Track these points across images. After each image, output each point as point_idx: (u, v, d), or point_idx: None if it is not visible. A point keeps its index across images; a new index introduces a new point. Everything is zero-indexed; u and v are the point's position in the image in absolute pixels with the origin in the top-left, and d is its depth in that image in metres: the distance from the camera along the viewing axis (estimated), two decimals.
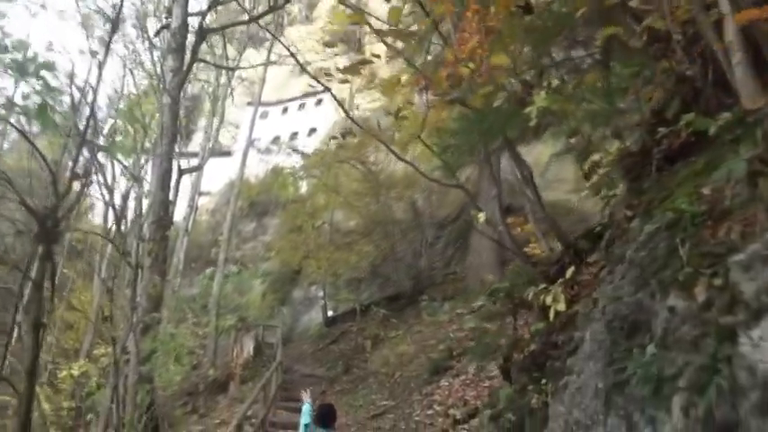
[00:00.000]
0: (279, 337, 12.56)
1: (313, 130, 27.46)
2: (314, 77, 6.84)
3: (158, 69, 9.91)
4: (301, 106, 29.84)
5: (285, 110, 30.31)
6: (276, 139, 27.28)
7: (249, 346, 12.00)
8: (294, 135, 28.22)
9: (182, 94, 9.36)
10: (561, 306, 3.49)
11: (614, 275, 2.52)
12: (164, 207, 8.62)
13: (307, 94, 29.18)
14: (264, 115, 28.03)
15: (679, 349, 1.76)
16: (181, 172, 10.99)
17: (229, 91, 18.22)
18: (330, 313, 14.30)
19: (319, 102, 28.33)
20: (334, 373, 10.43)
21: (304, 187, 19.22)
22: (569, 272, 3.72)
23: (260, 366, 10.73)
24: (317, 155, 16.16)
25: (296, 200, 19.09)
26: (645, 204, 2.39)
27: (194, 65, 9.58)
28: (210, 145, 16.19)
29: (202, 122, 23.83)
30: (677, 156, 2.49)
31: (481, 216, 5.15)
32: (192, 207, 17.10)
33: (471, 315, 8.68)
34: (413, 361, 8.58)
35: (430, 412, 6.71)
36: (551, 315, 3.54)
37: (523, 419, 3.37)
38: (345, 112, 7.15)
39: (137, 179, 10.08)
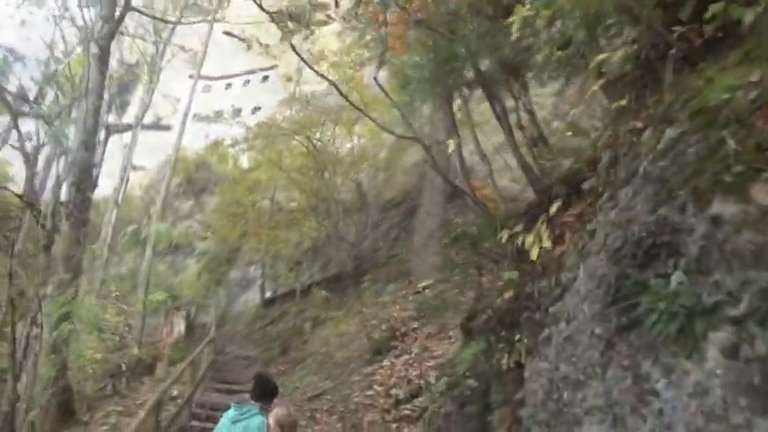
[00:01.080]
0: (212, 315, 11.93)
1: (257, 108, 26.49)
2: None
3: (87, 17, 8.98)
4: (246, 83, 28.76)
5: (229, 85, 29.12)
6: (218, 114, 26.21)
7: (180, 326, 11.31)
8: (237, 112, 27.17)
9: (112, 46, 8.53)
10: (547, 243, 3.11)
11: (618, 199, 2.22)
12: (86, 169, 7.85)
13: (252, 71, 28.18)
14: (207, 89, 26.88)
15: (727, 269, 1.44)
16: (108, 130, 10.12)
17: (166, 52, 17.11)
18: (268, 294, 13.75)
19: (265, 79, 27.36)
20: (271, 354, 9.95)
21: (246, 163, 18.46)
22: (554, 208, 3.37)
23: (191, 347, 10.08)
24: (261, 128, 15.46)
25: (236, 176, 18.33)
26: (661, 111, 2.09)
27: (127, 14, 8.75)
28: (145, 111, 15.15)
29: (139, 93, 22.55)
30: (701, 55, 2.16)
31: (451, 144, 4.83)
32: (124, 178, 16.05)
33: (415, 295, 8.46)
34: (354, 341, 8.23)
35: (370, 393, 6.39)
36: (534, 255, 3.17)
37: (489, 384, 3.04)
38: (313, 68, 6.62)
39: (58, 140, 9.22)
